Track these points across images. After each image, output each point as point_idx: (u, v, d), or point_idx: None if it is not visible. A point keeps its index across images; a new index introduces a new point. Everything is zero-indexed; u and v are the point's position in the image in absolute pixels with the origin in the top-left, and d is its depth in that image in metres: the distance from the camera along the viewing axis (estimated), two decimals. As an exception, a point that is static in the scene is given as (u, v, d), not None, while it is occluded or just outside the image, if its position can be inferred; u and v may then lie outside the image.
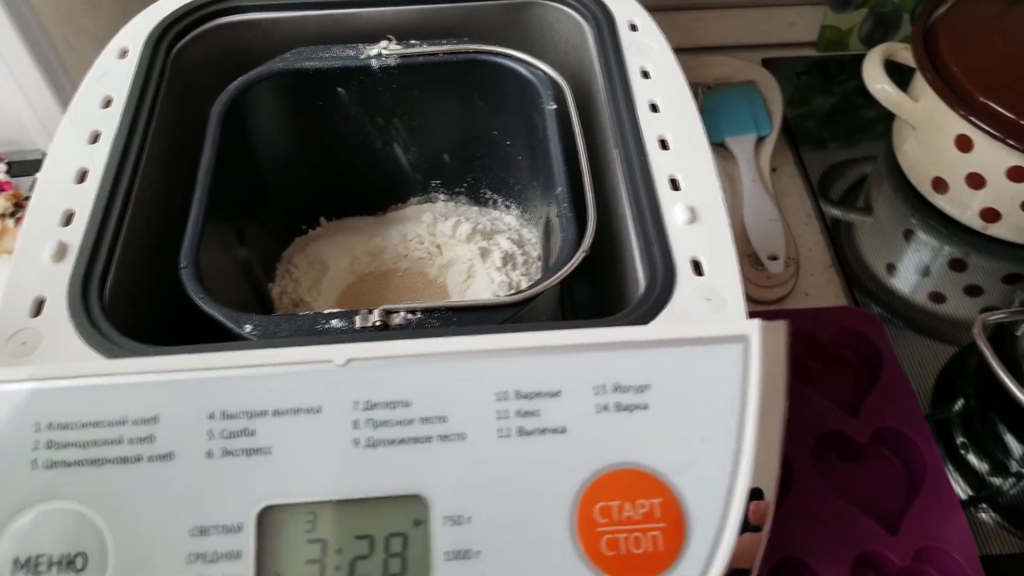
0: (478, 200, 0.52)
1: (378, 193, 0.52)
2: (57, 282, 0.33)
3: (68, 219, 0.35)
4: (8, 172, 0.61)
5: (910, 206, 0.65)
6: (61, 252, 0.34)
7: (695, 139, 0.37)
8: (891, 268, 0.62)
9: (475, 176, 0.51)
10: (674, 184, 0.35)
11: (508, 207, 0.51)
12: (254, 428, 0.26)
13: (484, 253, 0.48)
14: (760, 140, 0.69)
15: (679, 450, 0.26)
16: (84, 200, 0.36)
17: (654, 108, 0.38)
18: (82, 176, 0.37)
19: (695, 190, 0.35)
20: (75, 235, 0.35)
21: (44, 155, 0.64)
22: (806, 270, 0.62)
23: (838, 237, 0.64)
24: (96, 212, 0.35)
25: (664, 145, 0.37)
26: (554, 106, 0.40)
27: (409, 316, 0.31)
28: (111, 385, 0.26)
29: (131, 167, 0.37)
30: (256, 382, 0.27)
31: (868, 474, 0.51)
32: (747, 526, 0.25)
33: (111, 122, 0.39)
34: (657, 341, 0.27)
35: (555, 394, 0.26)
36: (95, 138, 0.38)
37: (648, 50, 0.41)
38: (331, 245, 0.51)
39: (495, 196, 0.51)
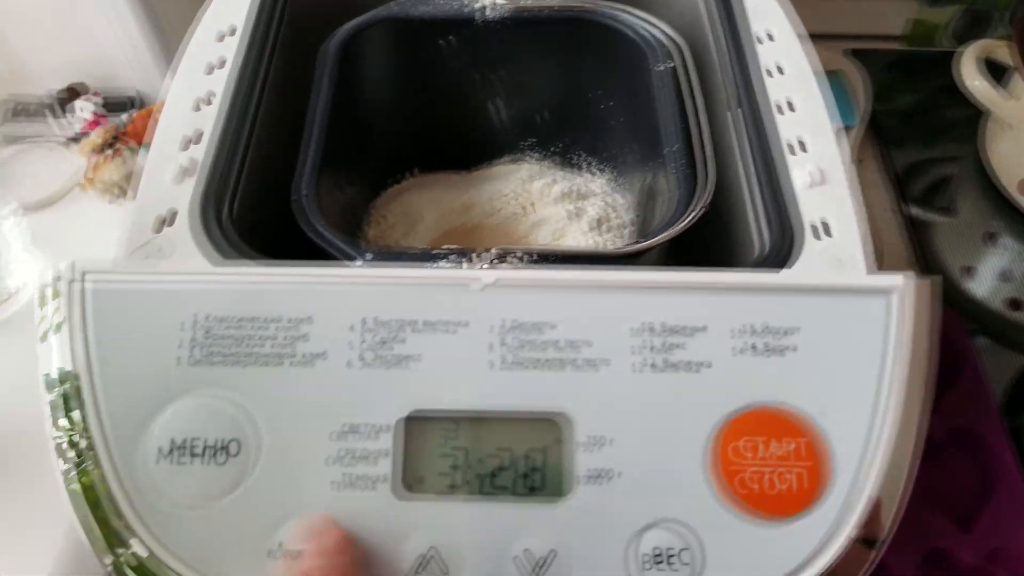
0: (569, 163, 0.52)
1: (470, 149, 0.52)
2: (185, 197, 0.34)
3: (195, 139, 0.36)
4: (104, 107, 0.62)
5: (995, 208, 0.64)
6: (190, 169, 0.35)
7: (818, 103, 0.37)
8: (969, 271, 0.61)
9: (570, 137, 0.51)
10: (797, 147, 0.35)
11: (599, 172, 0.51)
12: (403, 337, 0.27)
13: (575, 215, 0.49)
14: (843, 131, 0.68)
15: (825, 394, 0.26)
16: (210, 122, 0.36)
17: (775, 72, 0.38)
18: (208, 99, 0.38)
19: (819, 153, 0.35)
20: (202, 154, 0.35)
21: (137, 93, 0.66)
22: (886, 265, 0.61)
23: (917, 235, 0.63)
24: (225, 134, 0.36)
25: (786, 108, 0.37)
26: (669, 64, 0.40)
27: (525, 259, 0.32)
28: (267, 285, 0.27)
29: (256, 94, 0.38)
30: (407, 293, 0.27)
31: (942, 472, 0.51)
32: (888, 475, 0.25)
33: (234, 51, 0.40)
34: (805, 287, 0.27)
35: (700, 330, 0.27)
36: (220, 64, 0.39)
37: (768, 14, 0.41)
38: (421, 197, 0.51)
39: (587, 159, 0.51)
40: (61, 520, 0.41)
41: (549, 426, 0.26)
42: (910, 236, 0.63)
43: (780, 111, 0.37)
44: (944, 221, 0.65)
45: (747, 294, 0.27)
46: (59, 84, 0.65)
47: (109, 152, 0.58)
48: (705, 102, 0.40)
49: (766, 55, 0.39)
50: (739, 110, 0.38)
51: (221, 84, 0.38)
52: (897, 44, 0.77)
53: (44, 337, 0.27)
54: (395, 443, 0.26)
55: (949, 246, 0.63)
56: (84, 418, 0.26)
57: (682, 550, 0.25)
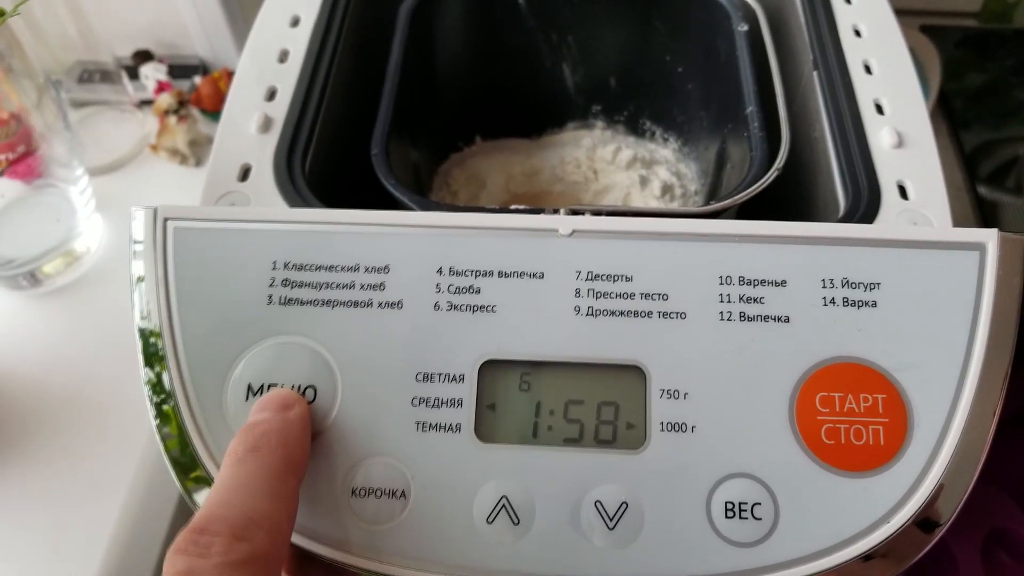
0: (636, 130, 0.51)
1: (537, 115, 0.52)
2: (263, 151, 0.34)
3: (272, 95, 0.36)
4: (168, 74, 0.63)
5: (1067, 190, 0.63)
6: (266, 124, 0.35)
7: (901, 64, 0.36)
8: (1034, 254, 0.59)
9: (638, 104, 0.50)
10: (879, 108, 0.35)
11: (666, 140, 0.50)
12: (480, 286, 0.27)
13: (643, 181, 0.48)
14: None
15: (907, 350, 0.25)
16: (287, 78, 0.37)
17: (857, 33, 0.38)
18: (284, 56, 0.38)
19: (901, 115, 0.34)
20: (279, 110, 0.36)
21: (201, 61, 0.67)
22: (953, 242, 0.59)
23: (984, 215, 0.61)
24: (299, 90, 0.36)
25: (868, 69, 0.36)
26: (746, 27, 0.40)
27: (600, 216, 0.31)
28: (347, 232, 0.27)
29: (330, 51, 0.38)
30: (484, 243, 0.27)
31: (1007, 452, 0.50)
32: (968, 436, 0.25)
33: (311, 9, 0.40)
34: (889, 240, 0.26)
35: (780, 283, 0.26)
36: (295, 22, 0.39)
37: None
38: (486, 163, 0.51)
39: (654, 127, 0.51)
40: (129, 471, 0.43)
41: (625, 378, 0.26)
42: (978, 216, 0.61)
43: (868, 71, 0.36)
44: (1013, 201, 0.63)
45: (833, 246, 0.26)
46: (124, 50, 0.66)
47: (175, 117, 0.59)
48: (784, 67, 0.40)
49: (851, 16, 0.39)
50: (817, 71, 0.37)
51: (303, 40, 0.39)
52: (970, 21, 0.74)
53: (131, 284, 0.28)
54: (472, 390, 0.26)
55: (1017, 226, 0.61)
56: (165, 362, 0.27)
57: (757, 504, 0.25)
